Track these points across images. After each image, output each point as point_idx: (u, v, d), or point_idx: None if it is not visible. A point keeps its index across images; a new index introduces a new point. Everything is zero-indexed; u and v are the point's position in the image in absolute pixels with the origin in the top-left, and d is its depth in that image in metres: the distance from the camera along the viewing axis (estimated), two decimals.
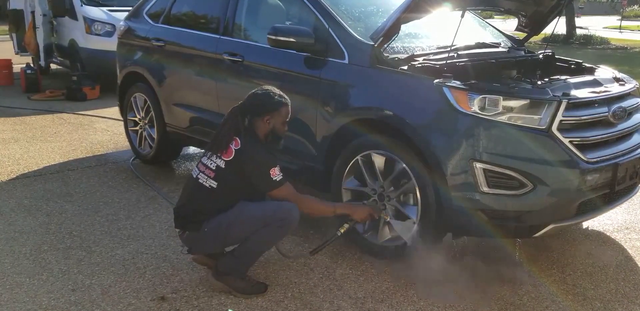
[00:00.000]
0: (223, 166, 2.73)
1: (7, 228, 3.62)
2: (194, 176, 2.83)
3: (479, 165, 2.77)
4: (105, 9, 8.56)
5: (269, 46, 3.43)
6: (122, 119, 5.38)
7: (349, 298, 2.81)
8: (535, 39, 4.76)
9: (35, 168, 4.83)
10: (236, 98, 2.91)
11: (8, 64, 9.68)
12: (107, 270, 3.08)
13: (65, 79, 9.14)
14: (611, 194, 2.99)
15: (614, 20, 30.77)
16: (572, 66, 3.69)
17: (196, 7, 4.60)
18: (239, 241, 2.79)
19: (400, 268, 3.10)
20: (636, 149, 3.11)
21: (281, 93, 2.86)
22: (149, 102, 4.73)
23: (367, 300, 2.79)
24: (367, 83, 3.22)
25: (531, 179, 2.73)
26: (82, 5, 8.56)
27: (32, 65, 9.25)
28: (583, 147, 2.83)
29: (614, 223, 3.75)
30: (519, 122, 2.76)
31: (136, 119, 4.97)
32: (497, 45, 3.85)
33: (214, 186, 2.75)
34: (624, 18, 29.97)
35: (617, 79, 3.36)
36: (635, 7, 39.23)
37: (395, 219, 3.10)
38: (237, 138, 2.73)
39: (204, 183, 2.77)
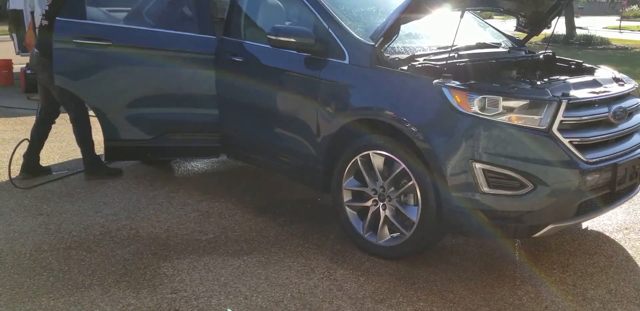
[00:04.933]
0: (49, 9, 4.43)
1: (7, 228, 3.62)
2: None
3: (479, 165, 2.77)
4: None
5: (269, 46, 3.44)
6: None
7: (348, 298, 2.81)
8: (535, 39, 4.77)
9: None
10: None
11: (8, 64, 9.68)
12: (107, 270, 3.08)
13: None
14: (611, 195, 2.99)
15: (613, 20, 30.78)
16: (572, 66, 3.69)
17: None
18: None
19: (400, 268, 3.10)
20: (636, 149, 3.11)
21: None
22: None
23: (367, 300, 2.79)
24: (367, 83, 3.22)
25: (531, 180, 2.73)
26: None
27: None
28: (583, 147, 2.83)
29: (613, 223, 3.75)
30: (519, 123, 2.76)
31: None
32: (497, 45, 3.85)
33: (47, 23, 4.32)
34: (623, 18, 29.99)
35: (616, 80, 3.36)
36: (635, 7, 39.24)
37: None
38: None
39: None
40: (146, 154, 4.41)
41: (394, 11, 3.18)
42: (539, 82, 3.17)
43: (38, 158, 4.76)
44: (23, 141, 4.69)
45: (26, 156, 4.71)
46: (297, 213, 3.89)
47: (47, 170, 4.78)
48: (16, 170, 4.75)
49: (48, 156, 5.15)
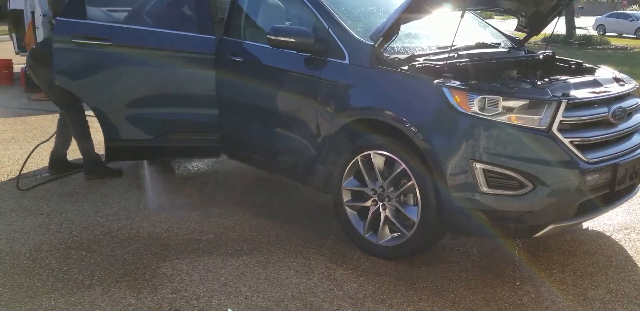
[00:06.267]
0: None
1: (7, 228, 3.62)
2: None
3: (479, 165, 2.77)
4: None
5: (269, 46, 3.44)
6: None
7: (349, 298, 2.81)
8: (535, 39, 4.77)
9: (35, 168, 4.83)
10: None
11: (8, 64, 9.68)
12: (107, 270, 3.08)
13: None
14: (611, 195, 2.99)
15: None
16: (572, 66, 3.70)
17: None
18: None
19: (400, 268, 3.10)
20: (636, 149, 3.11)
21: None
22: None
23: (367, 300, 2.79)
24: (367, 83, 3.22)
25: (531, 180, 2.73)
26: None
27: None
28: (583, 147, 2.83)
29: (614, 223, 3.75)
30: (519, 123, 2.76)
31: None
32: (497, 45, 3.85)
33: None
34: None
35: (617, 80, 3.36)
36: (635, 7, 39.25)
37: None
38: None
39: None
40: (146, 154, 4.40)
41: (394, 11, 3.18)
42: (539, 82, 3.17)
43: (65, 154, 4.81)
44: (40, 144, 4.81)
45: (52, 153, 4.77)
46: (297, 213, 3.89)
47: (78, 166, 4.80)
48: (17, 170, 4.75)
49: (48, 156, 5.14)
